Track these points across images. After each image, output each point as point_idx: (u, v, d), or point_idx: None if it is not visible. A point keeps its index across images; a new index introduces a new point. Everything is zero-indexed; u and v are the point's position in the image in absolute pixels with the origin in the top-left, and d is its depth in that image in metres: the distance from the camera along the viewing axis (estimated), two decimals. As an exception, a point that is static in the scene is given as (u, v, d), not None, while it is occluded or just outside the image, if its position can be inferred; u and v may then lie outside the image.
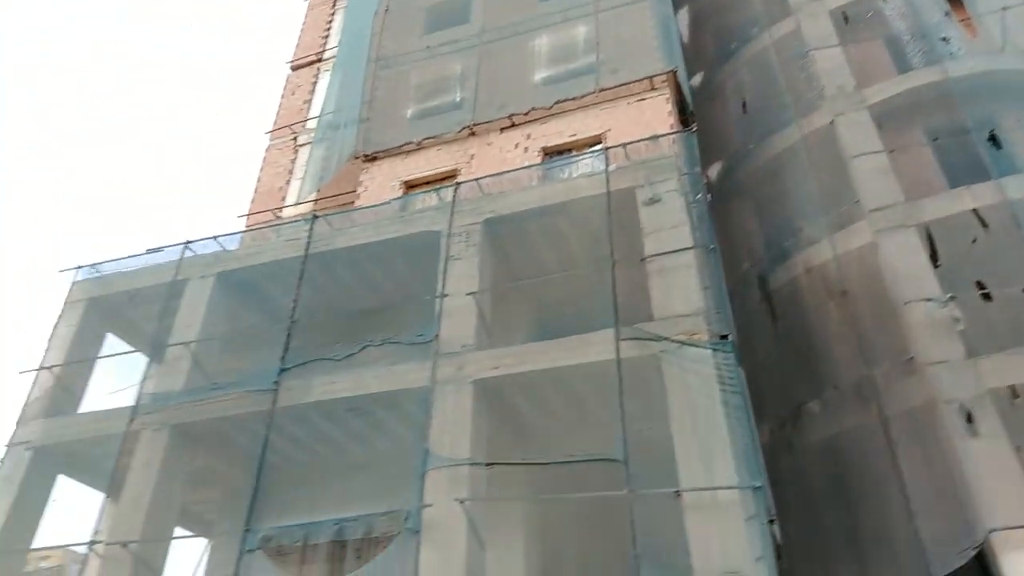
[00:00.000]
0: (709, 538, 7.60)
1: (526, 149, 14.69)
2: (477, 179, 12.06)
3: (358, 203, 15.09)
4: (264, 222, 16.83)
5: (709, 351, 8.76)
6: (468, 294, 10.41)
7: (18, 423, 11.95)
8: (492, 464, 9.30)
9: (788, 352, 12.86)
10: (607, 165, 11.06)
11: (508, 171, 12.55)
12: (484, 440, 9.59)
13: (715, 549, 7.51)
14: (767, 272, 13.99)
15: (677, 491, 7.93)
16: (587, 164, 12.18)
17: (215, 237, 12.84)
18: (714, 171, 16.41)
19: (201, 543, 12.87)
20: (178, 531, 11.92)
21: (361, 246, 11.96)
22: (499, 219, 11.30)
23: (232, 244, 13.12)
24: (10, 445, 11.78)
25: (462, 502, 8.67)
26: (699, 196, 10.59)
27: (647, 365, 8.99)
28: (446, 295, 10.54)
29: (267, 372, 10.79)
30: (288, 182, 18.58)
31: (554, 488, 9.86)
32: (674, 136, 12.00)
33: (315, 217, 12.45)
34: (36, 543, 11.59)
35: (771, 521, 7.72)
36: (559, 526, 10.94)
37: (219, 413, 10.88)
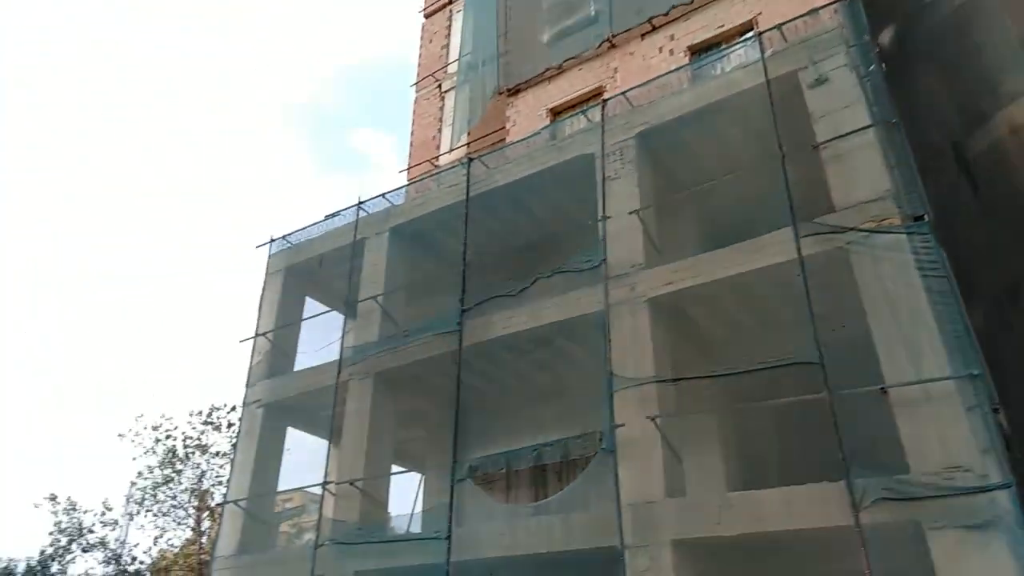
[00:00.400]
0: (925, 434, 7.14)
1: (671, 52, 13.98)
2: (623, 92, 11.65)
3: (508, 139, 15.18)
4: (424, 173, 17.43)
5: (903, 235, 8.05)
6: (630, 213, 10.24)
7: (247, 385, 13.54)
8: (679, 380, 9.23)
9: (997, 224, 11.51)
10: (762, 52, 10.24)
11: (655, 78, 11.98)
12: (667, 356, 9.53)
13: (933, 445, 7.05)
14: (963, 139, 12.49)
15: (883, 388, 7.48)
16: (740, 55, 11.33)
17: (383, 195, 13.52)
18: (886, 37, 14.73)
19: (416, 477, 14.08)
20: (395, 468, 13.04)
21: (518, 181, 12.07)
22: (652, 130, 10.92)
23: (399, 199, 13.76)
24: (244, 405, 13.41)
25: (654, 419, 8.73)
26: (872, 68, 9.55)
27: (833, 260, 8.44)
28: (608, 217, 10.43)
29: (450, 315, 11.34)
30: (439, 130, 19.01)
31: (745, 396, 9.65)
32: (835, 5, 10.84)
33: (470, 160, 12.69)
34: (280, 487, 13.23)
35: (995, 409, 7.08)
36: (756, 434, 10.76)
37: (412, 358, 11.63)
